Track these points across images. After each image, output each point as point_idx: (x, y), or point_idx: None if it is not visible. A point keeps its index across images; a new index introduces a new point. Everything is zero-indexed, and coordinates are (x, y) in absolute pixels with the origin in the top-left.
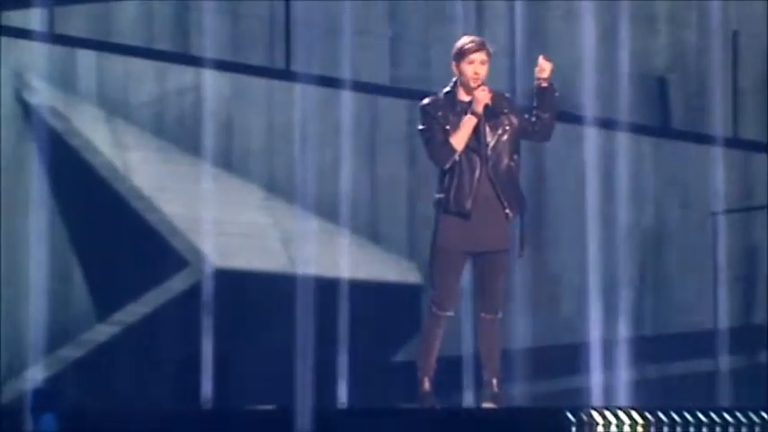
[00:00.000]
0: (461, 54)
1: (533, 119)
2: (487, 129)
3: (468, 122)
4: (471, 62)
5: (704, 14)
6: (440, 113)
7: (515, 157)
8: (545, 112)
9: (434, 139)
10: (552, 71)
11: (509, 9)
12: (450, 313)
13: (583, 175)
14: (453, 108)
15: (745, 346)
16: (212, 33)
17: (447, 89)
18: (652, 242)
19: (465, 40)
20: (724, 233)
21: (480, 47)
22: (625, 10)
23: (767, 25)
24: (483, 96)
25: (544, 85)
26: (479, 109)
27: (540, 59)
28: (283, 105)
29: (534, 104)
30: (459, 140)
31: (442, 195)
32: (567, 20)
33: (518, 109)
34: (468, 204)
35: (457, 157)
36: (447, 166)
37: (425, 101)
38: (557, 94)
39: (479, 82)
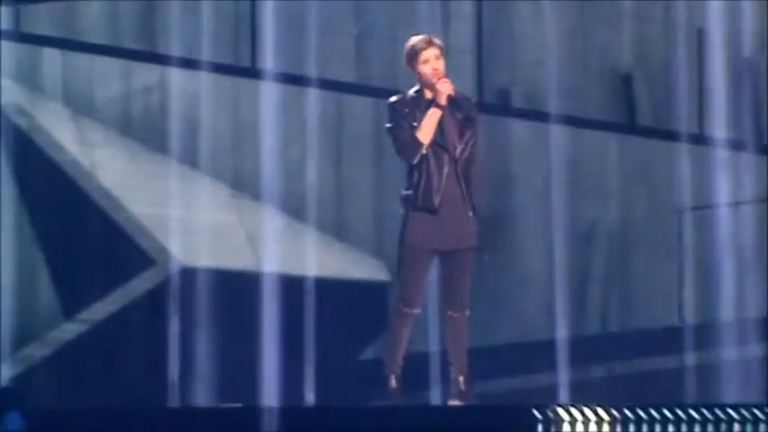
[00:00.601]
0: (413, 56)
1: None
2: (456, 129)
3: (433, 115)
4: (426, 61)
5: (669, 11)
6: (407, 110)
7: (476, 163)
8: None
9: (402, 136)
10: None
11: (475, 7)
12: (418, 310)
13: (549, 173)
14: (420, 106)
15: (710, 342)
16: (178, 31)
17: (415, 89)
18: (618, 239)
19: (412, 42)
20: (690, 229)
21: (428, 44)
22: (591, 6)
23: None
24: (445, 88)
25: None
26: (443, 101)
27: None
28: (249, 103)
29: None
30: (425, 134)
31: (409, 192)
32: (533, 17)
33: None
34: (437, 201)
35: (424, 151)
36: (415, 161)
37: (393, 99)
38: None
39: (441, 76)
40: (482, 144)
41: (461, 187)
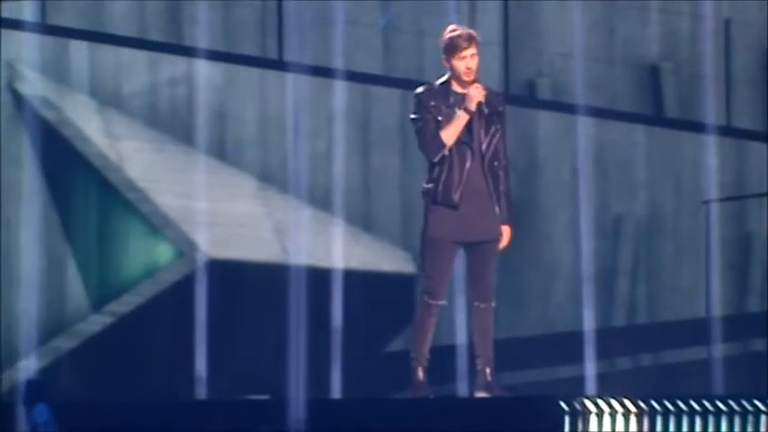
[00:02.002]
0: (451, 49)
1: None
2: (483, 124)
3: (460, 119)
4: (462, 58)
5: (696, 2)
6: (432, 103)
7: (502, 160)
8: None
9: (425, 131)
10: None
11: (501, 1)
12: (443, 302)
13: (576, 165)
14: (447, 99)
15: (739, 334)
16: (204, 23)
17: (442, 80)
18: (645, 231)
19: (453, 34)
20: (717, 221)
21: (470, 41)
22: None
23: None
24: (477, 94)
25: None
26: (472, 107)
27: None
28: (276, 95)
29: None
30: (449, 136)
31: (430, 186)
32: (560, 9)
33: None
34: (457, 196)
35: (446, 151)
36: (436, 159)
37: (419, 89)
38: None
39: (472, 76)
40: (509, 136)
41: (486, 181)
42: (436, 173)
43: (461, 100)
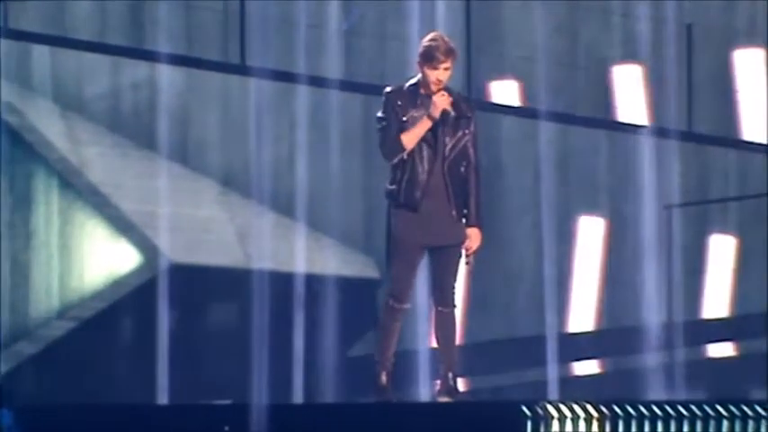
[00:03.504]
0: (428, 58)
1: None
2: (449, 128)
3: (423, 125)
4: (436, 68)
5: (658, 7)
6: (399, 103)
7: (471, 162)
8: None
9: (387, 131)
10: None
11: (464, 4)
12: (407, 306)
13: (538, 169)
14: (414, 101)
15: (697, 339)
16: (166, 27)
17: (412, 82)
18: (608, 234)
19: (433, 44)
20: (679, 226)
21: (447, 55)
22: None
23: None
24: (442, 102)
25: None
26: (436, 114)
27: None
28: (239, 100)
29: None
30: (409, 140)
31: (393, 187)
32: (522, 12)
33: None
34: (418, 197)
35: (405, 156)
36: (392, 162)
37: (389, 88)
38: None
39: (441, 87)
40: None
41: (446, 184)
42: (399, 174)
43: (428, 103)
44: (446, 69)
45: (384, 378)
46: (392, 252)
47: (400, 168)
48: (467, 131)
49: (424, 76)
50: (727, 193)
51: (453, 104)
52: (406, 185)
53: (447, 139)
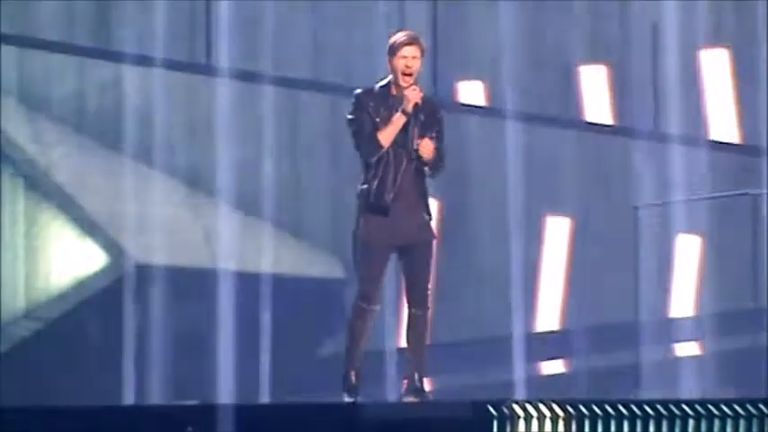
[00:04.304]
0: (393, 49)
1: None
2: (418, 129)
3: (398, 120)
4: (404, 56)
5: (625, 6)
6: (371, 104)
7: (440, 163)
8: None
9: (362, 131)
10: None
11: (431, 6)
12: (376, 307)
13: (505, 169)
14: (385, 101)
15: (668, 338)
16: (132, 28)
17: (382, 83)
18: (576, 235)
19: (398, 36)
20: (646, 225)
21: (412, 40)
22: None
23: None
24: (414, 96)
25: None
26: (409, 108)
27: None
28: (204, 100)
29: None
30: (386, 137)
31: (364, 187)
32: (488, 12)
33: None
34: (389, 198)
35: (383, 152)
36: (372, 160)
37: (359, 90)
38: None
39: (411, 77)
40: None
41: (417, 184)
42: (370, 175)
43: (399, 102)
44: (414, 58)
45: (353, 378)
46: (359, 253)
47: (373, 169)
48: (435, 134)
49: (394, 69)
50: (695, 192)
51: (426, 103)
52: (377, 186)
53: (416, 140)
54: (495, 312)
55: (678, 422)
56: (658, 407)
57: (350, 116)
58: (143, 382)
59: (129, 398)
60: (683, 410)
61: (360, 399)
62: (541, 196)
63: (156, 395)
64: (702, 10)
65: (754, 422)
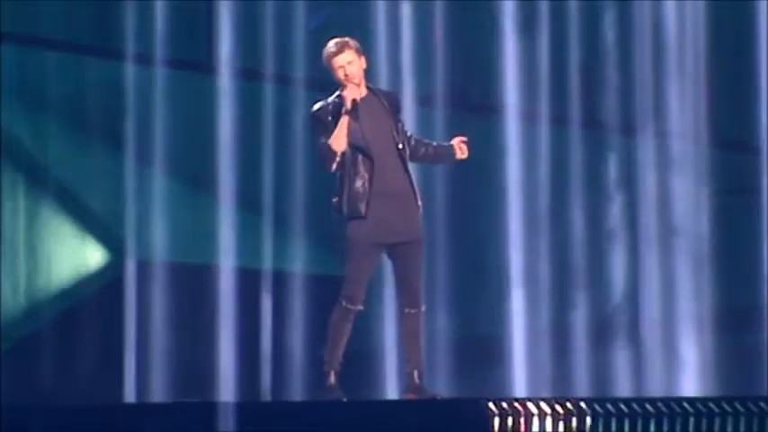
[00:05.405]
0: (327, 62)
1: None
2: (393, 124)
3: (342, 122)
4: (339, 66)
5: (624, 7)
6: (330, 118)
7: (427, 142)
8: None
9: (320, 146)
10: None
11: (429, 7)
12: (360, 308)
13: (505, 168)
14: (341, 112)
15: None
16: (133, 26)
17: (336, 94)
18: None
19: (327, 47)
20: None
21: (340, 49)
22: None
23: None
24: (350, 94)
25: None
26: (348, 106)
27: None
28: (206, 98)
29: (432, 150)
30: (336, 141)
31: (335, 200)
32: (488, 12)
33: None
34: (363, 208)
35: (339, 158)
36: (332, 169)
37: (315, 107)
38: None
39: (357, 81)
40: (440, 137)
41: (409, 180)
42: (339, 187)
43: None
44: (349, 63)
45: (332, 378)
46: (349, 253)
47: (342, 179)
48: (400, 123)
49: (338, 80)
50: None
51: (385, 98)
52: (348, 198)
53: (396, 135)
54: (495, 310)
55: (679, 420)
56: (659, 404)
57: (313, 134)
58: (143, 380)
59: (129, 396)
60: (683, 408)
61: (342, 397)
62: (542, 195)
63: (157, 393)
64: (702, 10)
65: (755, 420)
